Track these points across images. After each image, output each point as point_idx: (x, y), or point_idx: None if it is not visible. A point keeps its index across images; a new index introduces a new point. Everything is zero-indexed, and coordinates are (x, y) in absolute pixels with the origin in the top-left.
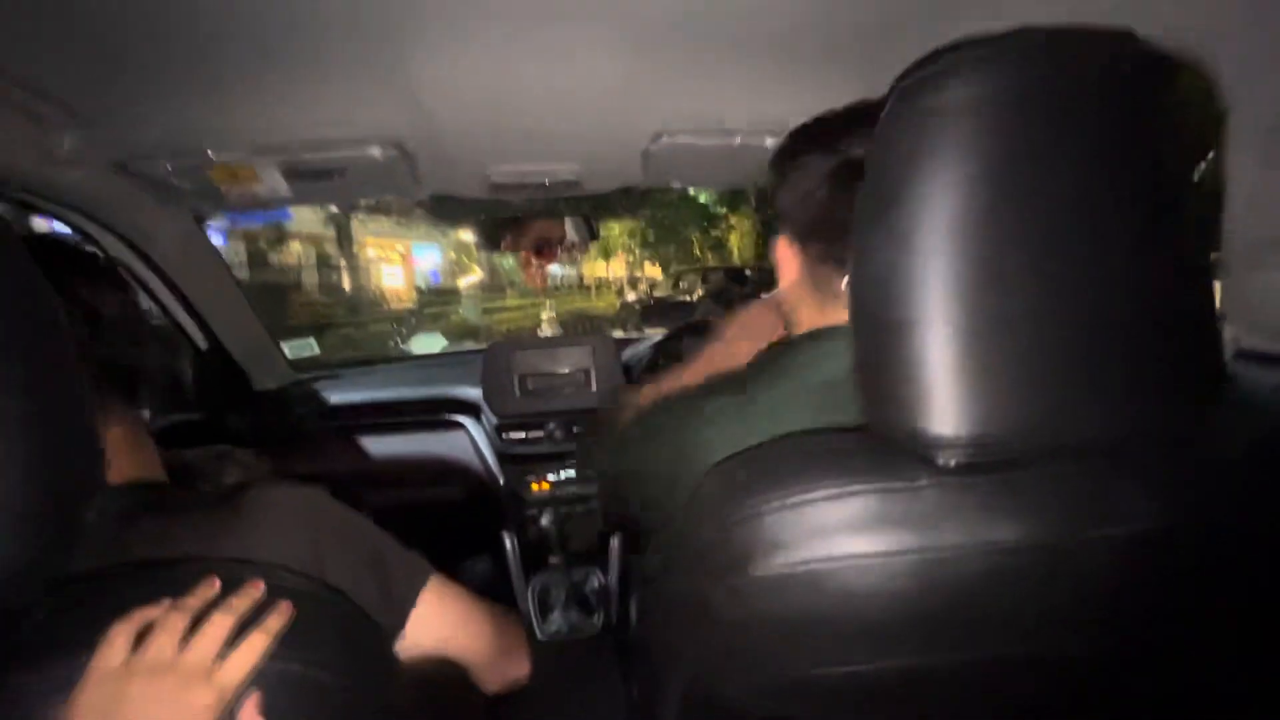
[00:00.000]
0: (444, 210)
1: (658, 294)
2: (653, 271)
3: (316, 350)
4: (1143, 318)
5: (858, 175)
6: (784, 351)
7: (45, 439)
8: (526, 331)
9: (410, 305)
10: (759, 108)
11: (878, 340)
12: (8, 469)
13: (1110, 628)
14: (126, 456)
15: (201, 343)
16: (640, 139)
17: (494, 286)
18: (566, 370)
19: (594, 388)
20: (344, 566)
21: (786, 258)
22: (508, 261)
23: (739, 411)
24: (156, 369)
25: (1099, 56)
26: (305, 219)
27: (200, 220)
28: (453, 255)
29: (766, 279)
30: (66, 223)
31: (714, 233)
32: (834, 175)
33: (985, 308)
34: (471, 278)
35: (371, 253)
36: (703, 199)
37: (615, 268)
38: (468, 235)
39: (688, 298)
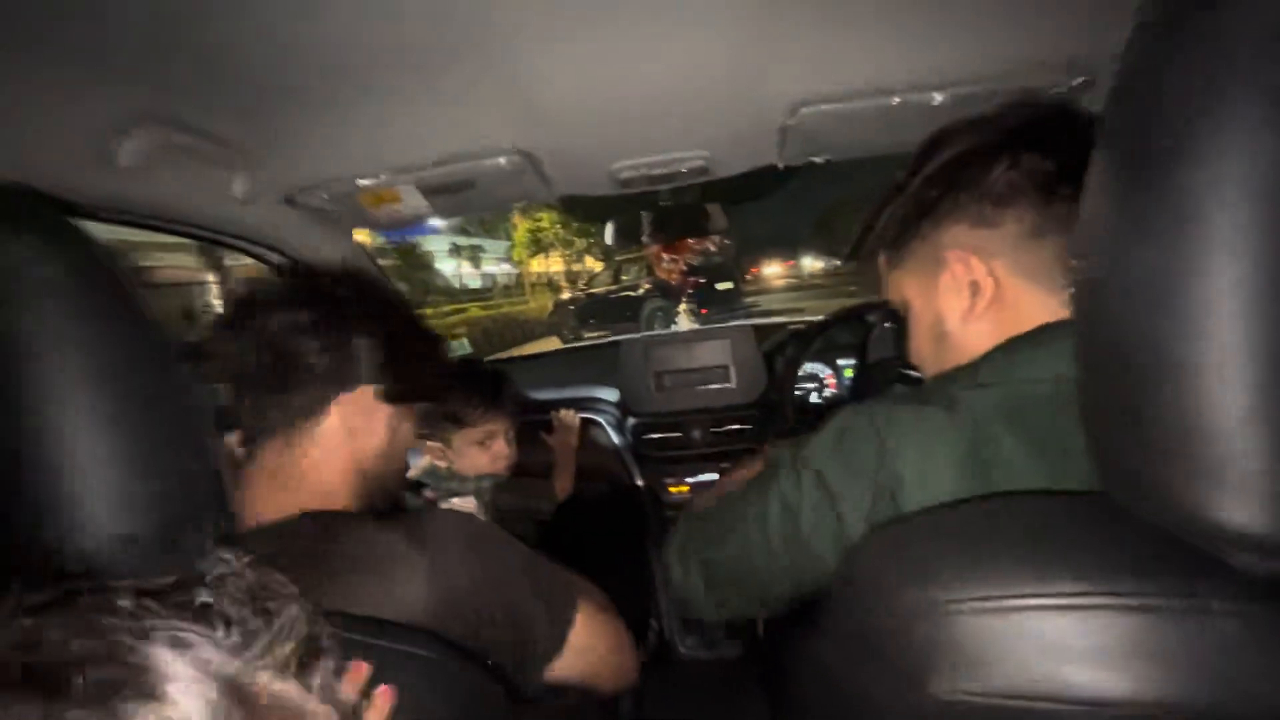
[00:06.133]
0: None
1: (594, 290)
2: (595, 264)
3: (469, 350)
4: None
5: None
6: (987, 355)
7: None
8: None
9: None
10: (919, 59)
11: (1135, 377)
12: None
13: None
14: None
15: None
16: (776, 115)
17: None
18: (704, 365)
19: (733, 383)
20: (511, 591)
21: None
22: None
23: (935, 415)
24: None
25: None
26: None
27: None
28: None
29: (722, 265)
30: (250, 254)
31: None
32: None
33: None
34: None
35: None
36: None
37: (554, 262)
38: None
39: (632, 292)
